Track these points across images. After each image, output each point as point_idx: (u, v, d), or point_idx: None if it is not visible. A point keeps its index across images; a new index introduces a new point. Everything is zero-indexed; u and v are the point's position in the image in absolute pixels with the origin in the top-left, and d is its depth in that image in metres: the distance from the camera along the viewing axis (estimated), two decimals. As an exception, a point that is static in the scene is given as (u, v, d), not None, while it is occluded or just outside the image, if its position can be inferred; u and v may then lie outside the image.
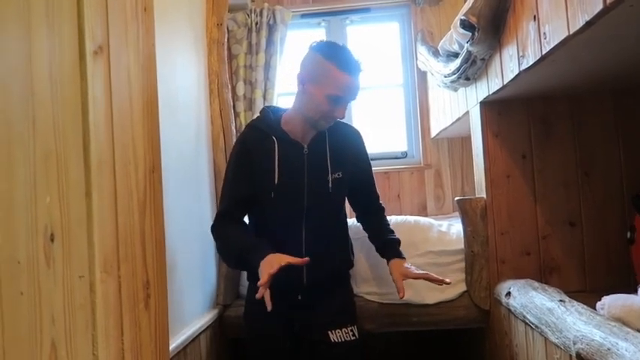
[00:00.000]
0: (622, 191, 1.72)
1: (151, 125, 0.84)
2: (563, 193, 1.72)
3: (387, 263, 1.60)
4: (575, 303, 1.19)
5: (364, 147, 1.65)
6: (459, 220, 1.81)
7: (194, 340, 1.50)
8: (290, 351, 1.51)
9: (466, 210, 1.75)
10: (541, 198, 1.73)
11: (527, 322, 1.33)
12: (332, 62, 1.39)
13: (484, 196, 1.76)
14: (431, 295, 1.77)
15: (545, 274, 1.66)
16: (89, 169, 0.60)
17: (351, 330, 1.53)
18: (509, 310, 1.49)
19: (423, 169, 2.95)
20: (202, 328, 1.57)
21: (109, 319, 0.58)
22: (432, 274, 1.51)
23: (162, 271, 0.76)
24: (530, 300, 1.34)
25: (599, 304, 1.20)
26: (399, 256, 1.59)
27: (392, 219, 1.95)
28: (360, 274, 1.82)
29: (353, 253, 1.68)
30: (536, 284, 1.44)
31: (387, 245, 1.63)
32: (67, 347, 0.52)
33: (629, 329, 0.98)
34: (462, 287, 1.78)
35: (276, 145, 1.48)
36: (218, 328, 1.77)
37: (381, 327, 1.80)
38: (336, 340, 1.49)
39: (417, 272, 1.52)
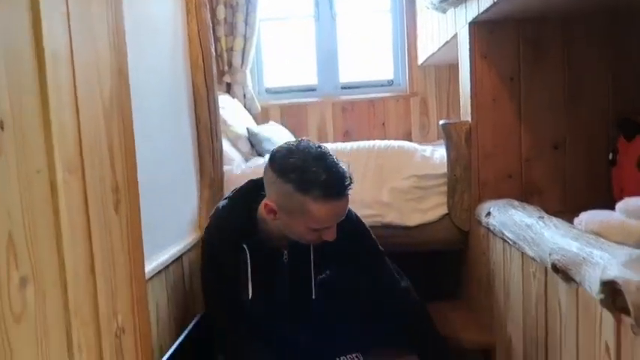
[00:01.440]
0: (608, 115, 1.70)
1: (116, 27, 0.78)
2: (549, 116, 1.71)
3: None
4: (553, 219, 1.20)
5: (361, 233, 1.39)
6: (443, 147, 1.80)
7: (177, 260, 1.50)
8: None
9: (450, 134, 1.72)
10: (526, 121, 1.71)
11: (506, 239, 1.35)
12: (308, 196, 1.07)
13: (469, 119, 1.73)
14: (413, 217, 1.79)
15: (526, 197, 1.67)
16: (42, 63, 0.55)
17: (356, 357, 1.39)
18: (489, 229, 1.51)
19: (409, 97, 2.91)
20: (184, 250, 1.57)
21: (74, 219, 0.56)
22: None
23: (132, 180, 0.74)
24: (509, 218, 1.35)
25: (576, 220, 1.22)
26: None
27: (376, 143, 1.94)
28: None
29: None
30: (516, 203, 1.45)
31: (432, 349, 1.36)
32: (28, 245, 0.49)
33: (605, 241, 0.99)
34: (444, 210, 1.80)
35: (248, 256, 1.22)
36: (201, 252, 1.78)
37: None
38: None
39: None
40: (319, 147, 1.12)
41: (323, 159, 1.09)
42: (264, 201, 1.15)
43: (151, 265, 1.30)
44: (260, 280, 1.25)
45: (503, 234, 1.37)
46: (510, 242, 1.32)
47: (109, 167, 0.66)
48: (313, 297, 1.29)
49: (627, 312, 0.80)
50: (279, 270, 1.28)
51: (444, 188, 1.80)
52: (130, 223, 0.68)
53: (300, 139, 1.18)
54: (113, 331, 0.63)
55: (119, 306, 0.64)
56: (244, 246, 1.23)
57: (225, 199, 1.35)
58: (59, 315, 0.53)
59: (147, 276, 1.26)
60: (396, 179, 1.82)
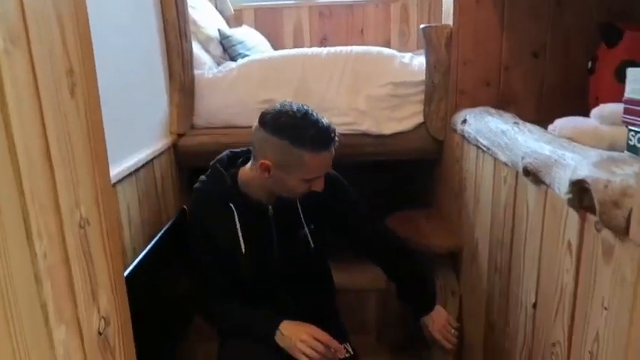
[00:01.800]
0: (590, 24, 1.66)
1: None
2: (531, 23, 1.65)
3: (418, 317, 1.45)
4: (528, 125, 1.20)
5: (345, 189, 1.42)
6: (423, 56, 1.74)
7: (147, 164, 1.47)
8: None
9: (431, 38, 1.66)
10: (508, 27, 1.65)
11: (480, 145, 1.35)
12: (303, 148, 1.15)
13: (450, 24, 1.66)
14: (388, 125, 1.77)
15: (502, 106, 1.66)
16: None
17: (344, 347, 1.40)
18: (464, 136, 1.51)
19: (389, 2, 2.78)
20: (155, 154, 1.53)
21: (22, 97, 0.51)
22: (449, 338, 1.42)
23: (89, 65, 0.68)
24: (485, 125, 1.34)
25: (550, 127, 1.22)
26: (430, 308, 1.43)
27: (353, 49, 1.87)
28: (318, 103, 1.77)
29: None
30: (493, 111, 1.44)
31: (415, 295, 1.45)
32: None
33: (578, 144, 0.99)
34: (419, 119, 1.78)
35: (235, 213, 1.29)
36: (173, 157, 1.74)
37: (338, 157, 1.81)
38: None
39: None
40: (303, 106, 1.21)
41: (309, 116, 1.18)
42: (261, 160, 1.20)
43: (120, 168, 1.27)
44: (250, 235, 1.30)
45: (477, 141, 1.37)
46: (484, 149, 1.32)
47: (61, 47, 0.60)
48: (298, 248, 1.36)
49: (593, 210, 0.82)
50: (266, 224, 1.33)
51: (421, 97, 1.77)
52: (88, 110, 0.63)
53: (282, 101, 1.23)
54: (77, 221, 0.61)
55: (81, 196, 0.62)
56: (231, 205, 1.29)
57: (205, 174, 1.37)
58: (14, 201, 0.50)
59: (117, 178, 1.24)
60: (373, 87, 1.77)
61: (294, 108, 1.19)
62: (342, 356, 1.26)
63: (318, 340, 1.23)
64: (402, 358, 1.92)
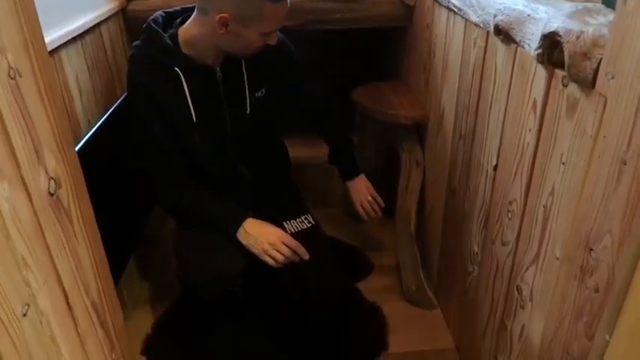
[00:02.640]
0: None
1: None
2: None
3: (343, 180, 1.54)
4: (503, -20, 1.12)
5: (291, 52, 1.37)
6: None
7: (93, 29, 1.35)
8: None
9: None
10: None
11: (451, 7, 1.27)
12: None
13: None
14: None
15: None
16: None
17: (306, 218, 1.42)
18: (435, -1, 1.42)
19: None
20: (101, 19, 1.40)
21: None
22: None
23: None
24: (457, -17, 1.26)
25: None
26: (356, 174, 1.53)
27: None
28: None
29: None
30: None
31: (340, 156, 1.54)
32: None
33: (552, -2, 0.94)
34: (389, -18, 1.66)
35: (182, 78, 1.18)
36: (122, 23, 1.60)
37: (304, 24, 1.70)
38: (293, 230, 1.37)
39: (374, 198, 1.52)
40: None
41: None
42: (218, 15, 1.10)
43: (60, 32, 1.16)
44: (199, 103, 1.22)
45: (449, 2, 1.29)
46: (456, 10, 1.25)
47: None
48: (247, 112, 1.30)
49: (561, 65, 0.80)
50: (214, 89, 1.24)
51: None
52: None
53: None
54: (4, 70, 0.54)
55: (5, 42, 0.54)
56: (176, 69, 1.18)
57: (139, 39, 1.22)
58: None
59: (58, 43, 1.13)
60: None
61: None
62: (306, 259, 1.25)
63: (286, 245, 1.21)
64: (365, 228, 2.01)
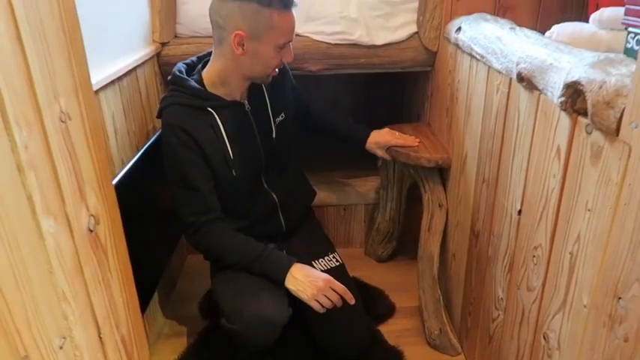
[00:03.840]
0: None
1: None
2: None
3: (365, 140, 1.62)
4: (525, 29, 1.16)
5: (291, 74, 1.49)
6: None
7: (130, 73, 1.42)
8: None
9: (428, -61, 1.56)
10: None
11: (474, 54, 1.31)
12: (271, 7, 1.16)
13: None
14: (380, 35, 1.71)
15: (499, 13, 1.60)
16: None
17: (333, 257, 1.46)
18: (458, 45, 1.46)
19: None
20: (138, 63, 1.47)
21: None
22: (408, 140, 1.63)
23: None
24: (480, 31, 1.30)
25: (548, 33, 1.18)
26: (367, 131, 1.63)
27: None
28: (306, 11, 1.69)
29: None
30: (489, 17, 1.39)
31: (355, 123, 1.64)
32: None
33: (575, 48, 0.97)
34: (413, 28, 1.71)
35: (217, 118, 1.25)
36: (157, 67, 1.68)
37: (329, 68, 1.76)
38: (322, 269, 1.40)
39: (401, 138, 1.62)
40: None
41: None
42: (235, 33, 1.18)
43: (101, 75, 1.22)
44: (234, 139, 1.28)
45: (471, 49, 1.33)
46: (478, 57, 1.29)
47: None
48: (274, 137, 1.37)
49: (584, 113, 0.81)
50: (246, 121, 1.32)
51: (415, 5, 1.69)
52: (60, -4, 0.59)
53: None
54: (57, 114, 0.59)
55: (59, 88, 0.59)
56: (209, 109, 1.25)
57: (168, 91, 1.31)
58: (-14, 86, 0.47)
59: (99, 85, 1.20)
60: (365, -7, 1.69)
61: None
62: (352, 303, 1.25)
63: (334, 290, 1.22)
64: (386, 269, 2.00)
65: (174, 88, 1.26)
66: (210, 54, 1.32)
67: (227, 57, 1.23)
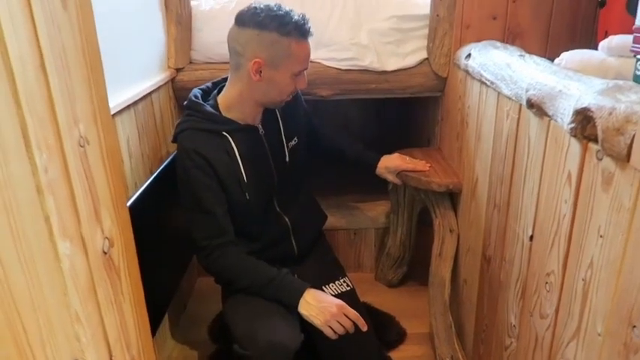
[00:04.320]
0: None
1: None
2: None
3: (375, 165, 1.63)
4: (534, 57, 1.17)
5: (302, 99, 1.51)
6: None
7: (145, 97, 1.45)
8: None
9: (437, -31, 1.60)
10: (519, -43, 1.59)
11: (484, 80, 1.32)
12: (290, 36, 1.20)
13: (458, -47, 1.59)
14: (391, 61, 1.73)
15: (508, 40, 1.62)
16: None
17: (344, 281, 1.47)
18: (467, 71, 1.48)
19: None
20: (153, 88, 1.51)
21: (14, 5, 0.49)
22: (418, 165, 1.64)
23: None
24: (489, 58, 1.31)
25: (557, 60, 1.19)
26: (377, 156, 1.65)
27: (356, -21, 1.80)
28: (318, 37, 1.72)
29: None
30: (498, 44, 1.40)
31: (365, 149, 1.65)
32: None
33: (584, 75, 0.97)
34: (423, 54, 1.74)
35: (232, 142, 1.28)
36: (171, 92, 1.72)
37: (340, 93, 1.79)
38: (333, 293, 1.40)
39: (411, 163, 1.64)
40: (272, 2, 1.25)
41: (284, 8, 1.22)
42: (254, 60, 1.21)
43: (117, 100, 1.25)
44: (248, 162, 1.30)
45: (481, 75, 1.34)
46: (488, 83, 1.30)
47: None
48: (287, 160, 1.40)
49: (595, 139, 0.82)
50: (260, 145, 1.34)
51: (425, 32, 1.72)
52: (82, 25, 0.61)
53: (252, 3, 1.25)
54: (76, 138, 0.60)
55: (79, 113, 0.61)
56: (225, 133, 1.27)
57: (184, 115, 1.33)
58: (11, 111, 0.49)
59: (115, 110, 1.23)
60: (376, 20, 1.72)
61: (268, 3, 1.23)
62: (364, 330, 1.24)
63: (347, 316, 1.22)
64: (397, 295, 1.98)
65: (190, 112, 1.29)
66: (224, 80, 1.35)
67: (243, 83, 1.26)
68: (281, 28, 1.19)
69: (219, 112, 1.29)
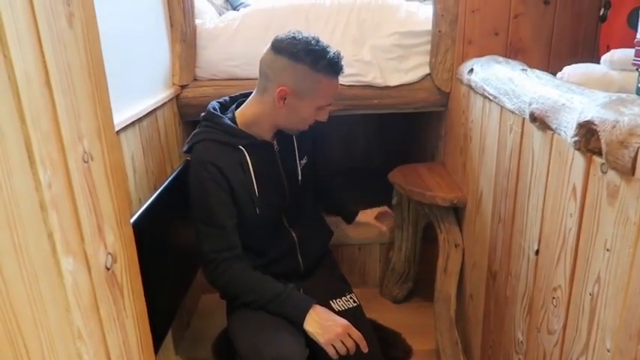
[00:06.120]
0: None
1: None
2: (544, -32, 1.60)
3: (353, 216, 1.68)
4: (536, 71, 1.18)
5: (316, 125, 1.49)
6: (430, 5, 1.70)
7: (150, 114, 1.46)
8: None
9: (438, -15, 1.61)
10: (520, -27, 1.60)
11: (487, 94, 1.33)
12: (321, 73, 1.21)
13: (459, -30, 1.61)
14: (394, 77, 1.74)
15: (511, 55, 1.62)
16: None
17: (351, 297, 1.47)
18: (470, 86, 1.48)
19: (397, -48, 2.67)
20: (158, 105, 1.52)
21: (20, 22, 0.50)
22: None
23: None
24: (492, 73, 1.32)
25: (559, 74, 1.20)
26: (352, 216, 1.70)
27: (358, -3, 1.82)
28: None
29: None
30: (501, 59, 1.41)
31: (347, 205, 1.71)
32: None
33: (587, 89, 0.98)
34: (425, 70, 1.75)
35: (247, 156, 1.28)
36: (176, 108, 1.73)
37: (343, 109, 1.80)
38: (339, 309, 1.40)
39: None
40: (312, 34, 1.24)
41: (322, 43, 1.22)
42: (279, 87, 1.21)
43: (122, 116, 1.26)
44: (260, 177, 1.30)
45: (484, 90, 1.35)
46: (491, 97, 1.30)
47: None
48: (299, 179, 1.40)
49: (599, 153, 0.81)
50: (273, 161, 1.35)
51: (427, 47, 1.73)
52: (87, 42, 0.62)
53: (292, 31, 1.25)
54: (80, 154, 0.61)
55: (84, 129, 0.61)
56: (241, 147, 1.27)
57: (199, 126, 1.34)
58: (16, 126, 0.49)
59: (120, 126, 1.23)
60: (378, 37, 1.74)
61: (308, 35, 1.23)
62: (365, 352, 1.23)
63: (350, 337, 1.20)
64: (402, 311, 1.96)
65: (208, 124, 1.29)
66: (243, 95, 1.37)
67: (266, 105, 1.26)
68: (314, 63, 1.19)
69: (236, 123, 1.30)
